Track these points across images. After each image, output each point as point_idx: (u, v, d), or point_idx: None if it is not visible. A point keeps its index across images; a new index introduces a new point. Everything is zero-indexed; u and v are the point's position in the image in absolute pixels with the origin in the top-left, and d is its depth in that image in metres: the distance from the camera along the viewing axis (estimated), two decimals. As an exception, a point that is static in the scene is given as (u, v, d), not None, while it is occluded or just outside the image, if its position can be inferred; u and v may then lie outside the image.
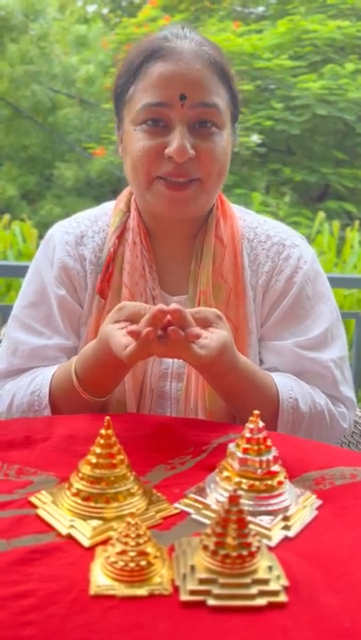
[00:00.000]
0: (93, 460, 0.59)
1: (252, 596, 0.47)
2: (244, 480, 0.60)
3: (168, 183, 0.90)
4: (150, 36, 0.95)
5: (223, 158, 0.93)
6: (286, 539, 0.57)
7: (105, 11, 11.20)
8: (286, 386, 0.93)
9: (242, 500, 0.51)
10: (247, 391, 0.89)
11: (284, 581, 0.49)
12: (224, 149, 0.93)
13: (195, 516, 0.61)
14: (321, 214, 4.76)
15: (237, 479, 0.60)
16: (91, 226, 1.03)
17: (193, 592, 0.48)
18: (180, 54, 0.89)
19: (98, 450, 0.59)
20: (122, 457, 0.60)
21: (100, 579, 0.49)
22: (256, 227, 1.03)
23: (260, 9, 9.66)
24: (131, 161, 0.93)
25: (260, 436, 0.61)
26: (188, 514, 0.61)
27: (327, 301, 1.01)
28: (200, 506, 0.61)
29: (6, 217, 4.60)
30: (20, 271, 1.08)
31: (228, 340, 0.81)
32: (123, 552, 0.49)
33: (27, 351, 0.98)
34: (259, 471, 0.60)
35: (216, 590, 0.47)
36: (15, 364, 0.99)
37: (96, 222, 1.04)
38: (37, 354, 0.98)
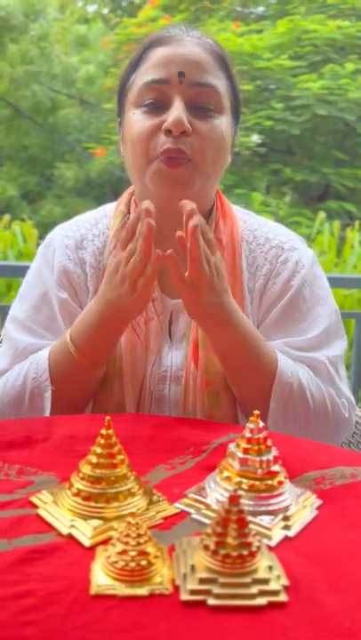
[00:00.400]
0: (94, 459, 0.59)
1: (253, 596, 0.48)
2: (244, 480, 0.60)
3: (165, 159, 0.90)
4: (155, 31, 0.98)
5: (220, 142, 0.93)
6: (286, 538, 0.57)
7: (105, 11, 11.20)
8: (288, 363, 0.92)
9: (242, 500, 0.51)
10: (244, 353, 0.89)
11: (285, 581, 0.49)
12: (221, 134, 0.93)
13: (195, 516, 0.61)
14: (321, 214, 4.76)
15: (238, 479, 0.60)
16: (91, 229, 1.03)
17: (193, 592, 0.48)
18: (180, 40, 0.93)
19: (98, 450, 0.60)
20: (122, 457, 0.61)
21: (101, 578, 0.49)
22: (255, 229, 1.03)
23: (260, 9, 9.66)
24: (130, 144, 0.93)
25: (261, 436, 0.61)
26: (188, 514, 0.61)
27: (325, 304, 1.00)
28: (200, 506, 0.61)
29: (6, 217, 4.61)
30: (21, 271, 1.08)
31: (218, 284, 0.84)
32: (123, 552, 0.49)
33: (32, 350, 0.97)
34: (259, 471, 0.60)
35: (216, 590, 0.48)
36: (19, 362, 0.98)
37: (96, 225, 1.03)
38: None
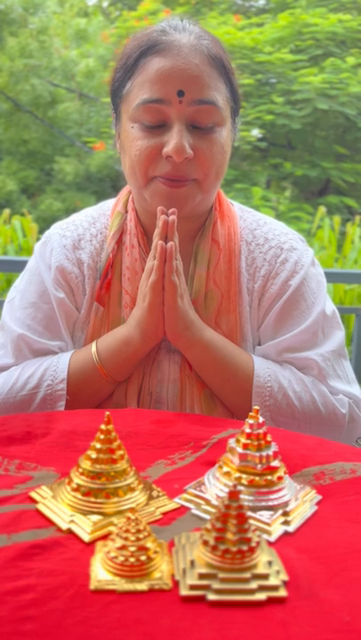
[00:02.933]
0: (93, 455, 0.59)
1: (252, 591, 0.48)
2: (243, 475, 0.60)
3: (165, 180, 0.89)
4: (148, 29, 0.92)
5: (221, 157, 0.91)
6: (286, 534, 0.57)
7: (105, 4, 11.14)
8: (264, 367, 0.93)
9: (242, 496, 0.51)
10: (217, 366, 0.92)
11: (284, 576, 0.49)
12: (223, 148, 0.91)
13: (195, 512, 0.61)
14: (322, 209, 4.75)
15: (237, 474, 0.60)
16: (89, 228, 1.02)
17: (193, 587, 0.48)
18: (178, 48, 0.87)
19: (98, 445, 0.60)
20: (122, 452, 0.60)
21: (101, 573, 0.49)
22: (255, 229, 1.02)
23: (261, 2, 9.61)
24: (129, 160, 0.91)
25: (261, 431, 0.61)
26: (188, 509, 0.61)
27: (322, 302, 0.99)
28: (200, 501, 0.61)
29: (6, 211, 4.60)
30: (21, 266, 1.08)
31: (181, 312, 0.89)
32: (123, 547, 0.49)
33: (34, 346, 0.97)
34: (259, 466, 0.60)
35: (216, 585, 0.48)
36: (21, 358, 0.98)
37: (94, 224, 1.02)
38: (43, 349, 0.97)
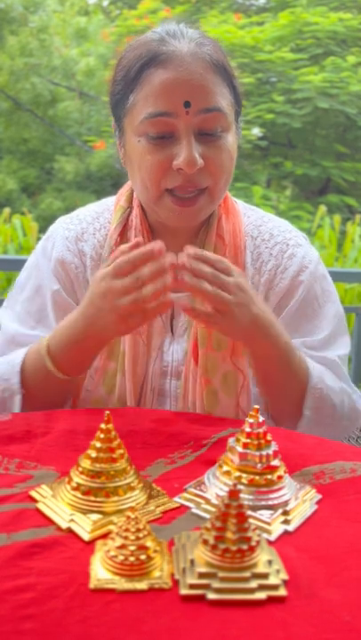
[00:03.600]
0: (93, 454, 0.59)
1: (252, 590, 0.48)
2: (243, 474, 0.60)
3: (177, 199, 0.89)
4: (145, 38, 0.90)
5: (230, 163, 0.92)
6: (286, 533, 0.57)
7: (105, 3, 11.13)
8: (316, 368, 0.94)
9: (242, 495, 0.51)
10: (281, 364, 0.89)
11: (284, 575, 0.49)
12: (230, 154, 0.91)
13: (195, 511, 0.61)
14: (322, 208, 4.75)
15: (237, 474, 0.60)
16: (92, 222, 1.02)
17: (193, 586, 0.48)
18: (180, 58, 0.86)
19: (98, 444, 0.59)
20: (122, 451, 0.60)
21: (100, 572, 0.49)
22: (260, 225, 1.03)
23: (262, 1, 9.59)
24: (139, 174, 0.91)
25: (260, 430, 0.61)
26: (187, 508, 0.61)
27: (334, 301, 1.01)
28: (200, 500, 0.61)
29: (6, 210, 4.59)
30: (21, 265, 1.09)
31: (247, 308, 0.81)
32: (122, 546, 0.49)
33: (21, 341, 0.98)
34: (259, 466, 0.60)
35: (216, 584, 0.48)
36: (8, 350, 0.98)
37: (97, 219, 1.03)
38: (26, 343, 0.97)
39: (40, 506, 0.59)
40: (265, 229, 1.02)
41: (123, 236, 0.99)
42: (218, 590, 0.47)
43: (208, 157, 0.88)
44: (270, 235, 1.01)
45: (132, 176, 0.95)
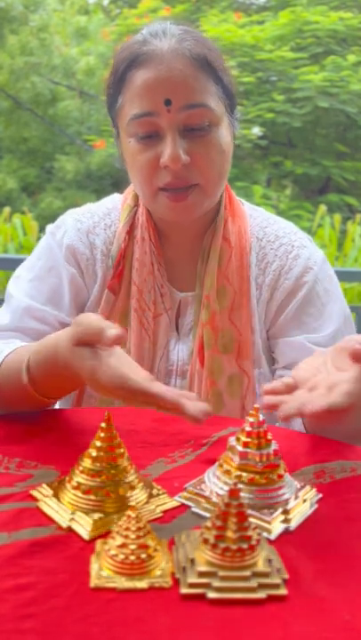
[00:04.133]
0: (94, 453, 0.59)
1: (252, 589, 0.48)
2: (244, 473, 0.60)
3: (170, 194, 0.90)
4: (131, 40, 0.91)
5: (221, 158, 0.91)
6: (286, 532, 0.57)
7: (105, 2, 11.11)
8: None
9: (242, 494, 0.51)
10: None
11: (284, 574, 0.49)
12: (221, 148, 0.91)
13: (195, 510, 0.61)
14: (322, 207, 4.75)
15: (237, 473, 0.60)
16: (103, 218, 1.03)
17: (193, 585, 0.48)
18: (159, 57, 0.86)
19: (98, 443, 0.60)
20: (122, 450, 0.61)
21: (101, 571, 0.49)
22: (266, 226, 1.03)
23: (262, 0, 9.58)
24: (134, 175, 0.94)
25: (261, 429, 0.61)
26: (188, 507, 0.61)
27: (338, 301, 1.01)
28: (200, 499, 0.61)
29: (7, 210, 4.59)
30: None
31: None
32: (123, 545, 0.49)
33: (32, 314, 0.95)
34: (259, 465, 0.60)
35: (216, 583, 0.48)
36: (18, 322, 0.95)
37: (108, 215, 1.04)
38: (40, 317, 0.95)
39: (41, 505, 0.59)
40: (270, 231, 1.02)
41: (130, 234, 1.01)
42: (218, 589, 0.47)
43: (195, 153, 0.88)
44: (276, 236, 1.01)
45: (131, 176, 0.97)
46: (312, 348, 0.95)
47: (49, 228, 1.05)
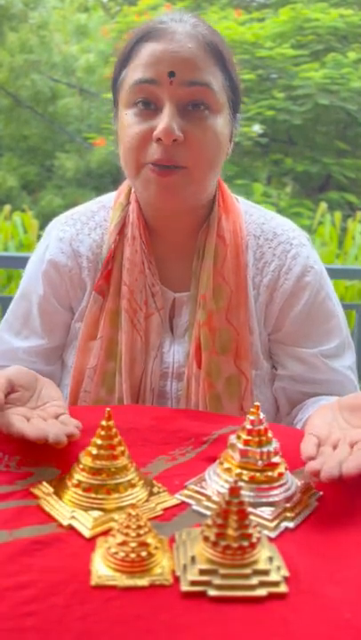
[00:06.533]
0: (94, 451, 0.59)
1: (253, 587, 0.48)
2: (244, 471, 0.60)
3: (154, 168, 0.87)
4: (148, 21, 0.93)
5: (215, 146, 0.89)
6: (287, 530, 0.57)
7: (105, -1, 11.09)
8: None
9: (242, 492, 0.51)
10: None
11: (285, 572, 0.49)
12: (217, 136, 0.89)
13: (195, 508, 0.61)
14: (323, 205, 4.73)
15: (238, 470, 0.60)
16: (87, 222, 1.01)
17: (193, 583, 0.48)
18: (172, 34, 0.87)
19: (99, 441, 0.60)
20: (122, 448, 0.61)
21: (101, 569, 0.49)
22: (263, 223, 1.01)
23: (262, -3, 9.56)
24: (122, 147, 0.92)
25: (261, 427, 0.61)
26: (188, 505, 0.61)
27: (338, 305, 1.01)
28: (201, 497, 0.61)
29: (7, 208, 4.59)
30: (21, 262, 1.09)
31: None
32: (123, 543, 0.50)
33: (1, 351, 1.01)
34: (260, 463, 0.60)
35: (217, 581, 0.48)
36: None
37: (93, 218, 1.02)
38: (10, 356, 1.00)
39: (41, 503, 0.59)
40: (268, 228, 1.00)
41: (121, 234, 0.99)
42: (219, 587, 0.47)
43: (190, 134, 0.86)
44: (274, 234, 1.00)
45: (120, 151, 0.94)
46: (325, 363, 0.96)
47: (40, 241, 1.06)
